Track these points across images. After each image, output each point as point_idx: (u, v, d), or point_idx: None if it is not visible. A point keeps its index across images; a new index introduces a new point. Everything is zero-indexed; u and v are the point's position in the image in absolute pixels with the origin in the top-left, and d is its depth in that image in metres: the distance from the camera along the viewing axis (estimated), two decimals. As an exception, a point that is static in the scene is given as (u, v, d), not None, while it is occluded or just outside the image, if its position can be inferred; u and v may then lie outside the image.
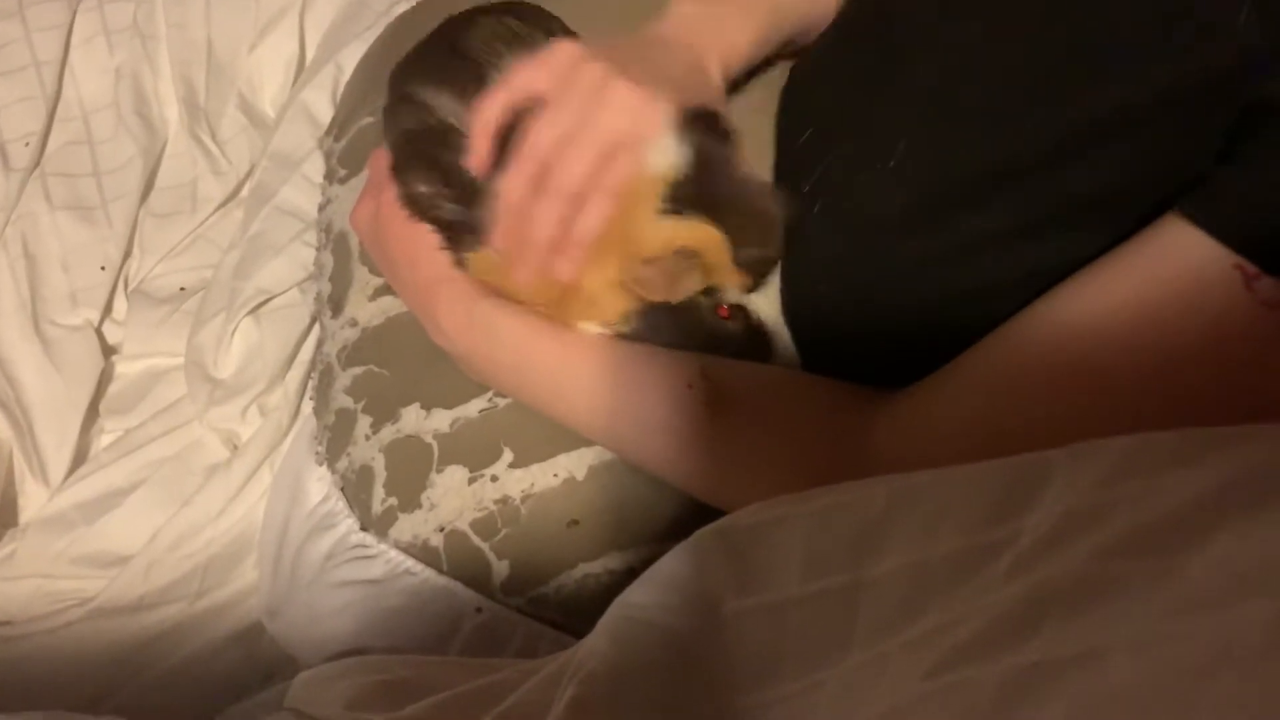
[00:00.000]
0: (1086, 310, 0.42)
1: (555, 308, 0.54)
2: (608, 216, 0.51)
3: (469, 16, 0.59)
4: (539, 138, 0.51)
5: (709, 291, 0.53)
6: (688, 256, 0.51)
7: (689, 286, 0.51)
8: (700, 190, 0.51)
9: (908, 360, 0.49)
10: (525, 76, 0.52)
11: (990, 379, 0.44)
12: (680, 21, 0.62)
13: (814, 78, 0.63)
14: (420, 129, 0.57)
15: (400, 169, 0.58)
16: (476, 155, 0.53)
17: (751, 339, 0.55)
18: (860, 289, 0.52)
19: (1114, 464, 0.29)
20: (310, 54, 0.87)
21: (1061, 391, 0.41)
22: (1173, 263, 0.39)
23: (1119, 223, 0.42)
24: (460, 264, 0.56)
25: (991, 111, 0.46)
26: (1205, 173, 0.39)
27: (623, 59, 0.54)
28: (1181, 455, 0.29)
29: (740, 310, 0.54)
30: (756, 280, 0.54)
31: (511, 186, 0.52)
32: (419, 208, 0.57)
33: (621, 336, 0.54)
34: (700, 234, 0.51)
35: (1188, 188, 0.40)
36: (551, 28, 0.59)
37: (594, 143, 0.51)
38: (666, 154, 0.51)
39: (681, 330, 0.53)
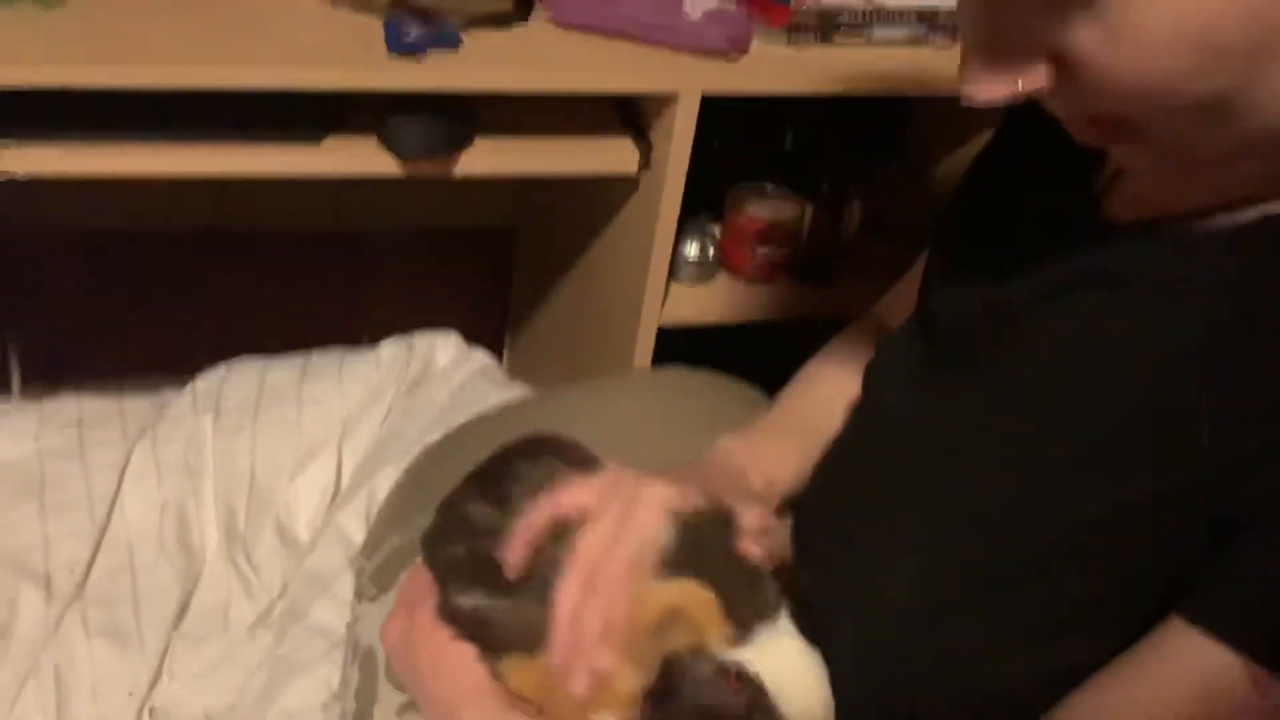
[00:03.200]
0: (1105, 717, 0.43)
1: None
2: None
3: (511, 454, 0.66)
4: (587, 545, 0.55)
5: (700, 652, 0.54)
6: (673, 613, 0.54)
7: (678, 641, 0.53)
8: (690, 558, 0.55)
9: None
10: (573, 492, 0.57)
11: None
12: (724, 454, 0.68)
13: (819, 491, 0.68)
14: (465, 553, 0.61)
15: (445, 585, 0.61)
16: (514, 557, 0.57)
17: (757, 712, 0.55)
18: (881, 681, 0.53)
19: None
20: (345, 480, 0.93)
21: None
22: (1181, 668, 0.41)
23: (1118, 626, 0.44)
24: (498, 675, 0.58)
25: (988, 520, 0.50)
26: (1199, 575, 0.42)
27: (669, 476, 0.60)
28: None
29: (744, 679, 0.54)
30: (745, 634, 0.54)
31: (564, 596, 0.55)
32: (461, 621, 0.60)
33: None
34: (687, 592, 0.54)
35: (1184, 590, 0.42)
36: (587, 460, 0.65)
37: (634, 540, 0.54)
38: (664, 529, 0.56)
39: (687, 712, 0.54)
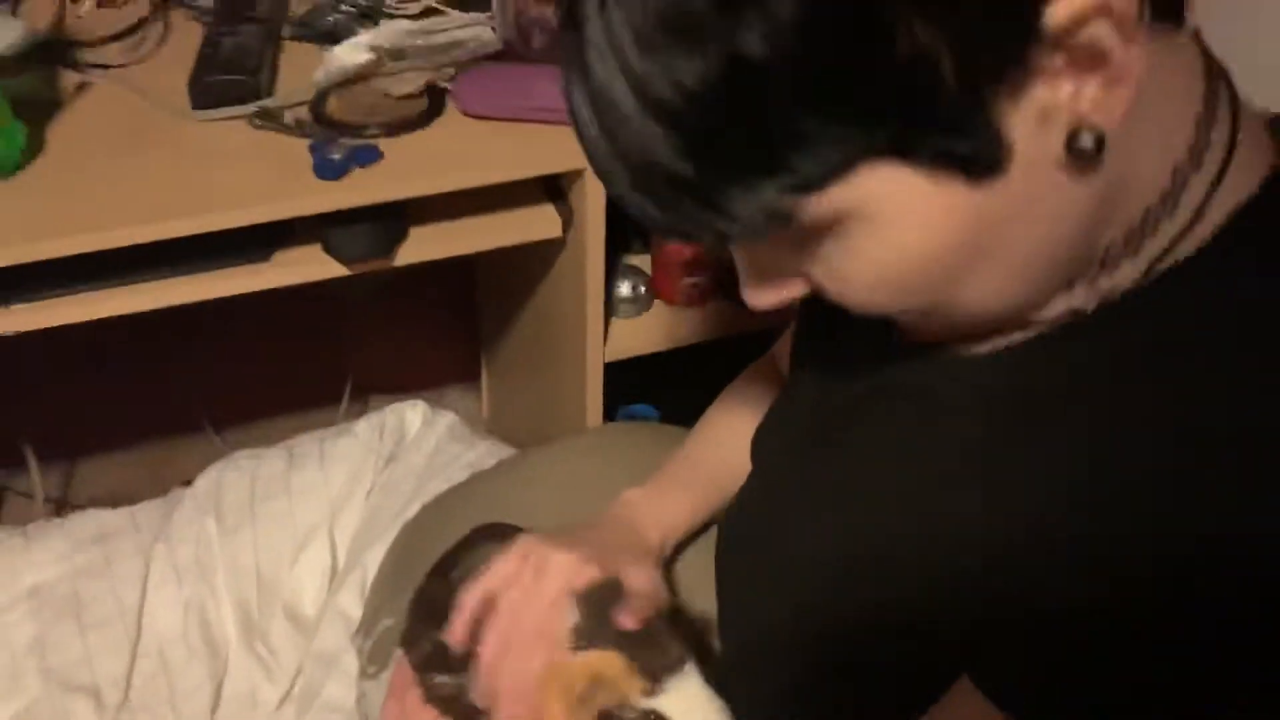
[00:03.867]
0: None
1: None
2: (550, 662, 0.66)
3: (459, 549, 0.78)
4: (500, 610, 0.69)
5: (624, 705, 0.66)
6: (595, 679, 0.66)
7: (603, 700, 0.66)
8: (597, 629, 0.68)
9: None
10: (496, 568, 0.71)
11: None
12: (627, 506, 0.80)
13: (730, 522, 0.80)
14: (431, 645, 0.73)
15: (421, 674, 0.74)
16: (456, 638, 0.70)
17: None
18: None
19: None
20: (341, 558, 1.05)
21: None
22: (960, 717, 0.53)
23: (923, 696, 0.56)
24: None
25: (815, 592, 0.62)
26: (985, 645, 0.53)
27: (571, 541, 0.72)
28: None
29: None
30: (657, 685, 0.67)
31: (485, 651, 0.69)
32: (438, 701, 0.72)
33: None
34: (604, 660, 0.66)
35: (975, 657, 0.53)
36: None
37: (540, 603, 0.67)
38: (571, 613, 0.69)
39: None
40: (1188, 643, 0.44)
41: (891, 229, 0.45)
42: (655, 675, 0.66)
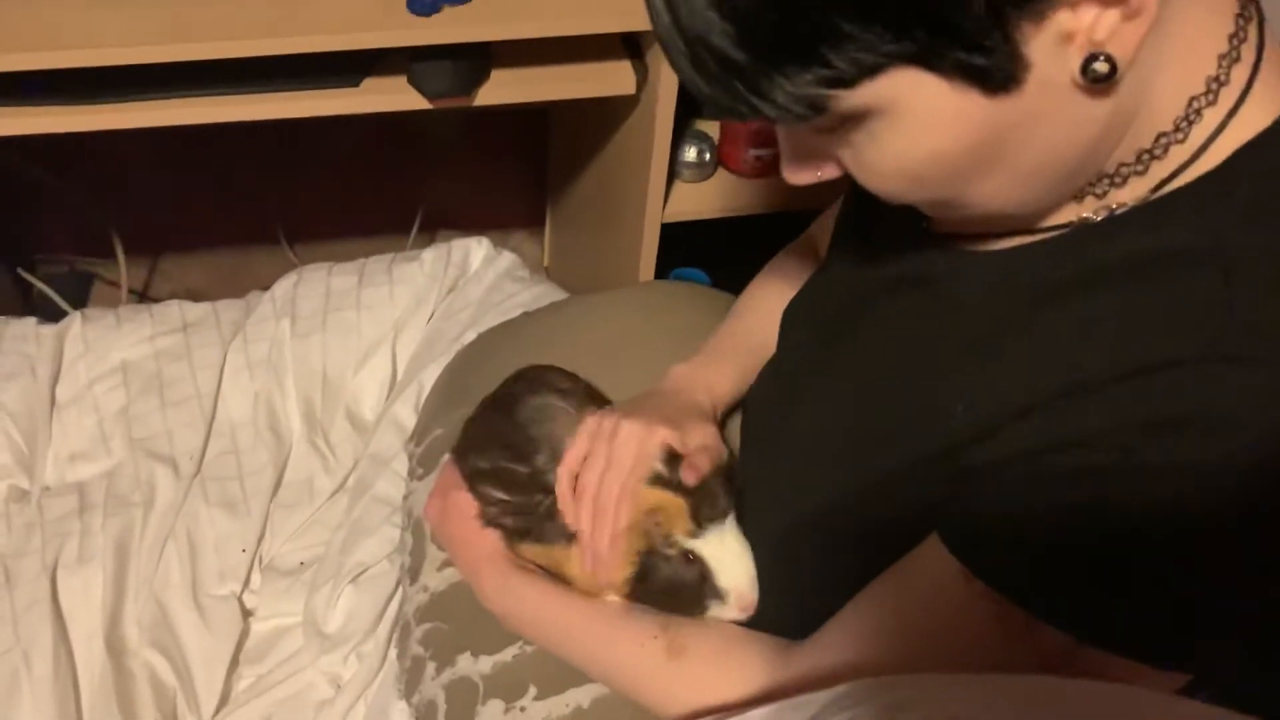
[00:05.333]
0: (877, 590, 0.62)
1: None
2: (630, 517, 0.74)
3: (518, 389, 0.85)
4: (585, 477, 0.76)
5: (668, 539, 0.75)
6: (654, 509, 0.74)
7: (655, 531, 0.74)
8: (671, 478, 0.75)
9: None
10: (574, 449, 0.78)
11: (840, 642, 0.64)
12: (675, 378, 0.87)
13: (756, 398, 0.87)
14: (488, 465, 0.82)
15: (474, 485, 0.83)
16: (563, 506, 0.78)
17: (705, 583, 0.75)
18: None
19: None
20: (400, 373, 1.14)
21: (867, 651, 0.61)
22: (921, 565, 0.60)
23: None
24: (515, 551, 0.80)
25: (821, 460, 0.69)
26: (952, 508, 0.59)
27: (631, 409, 0.79)
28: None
29: (696, 559, 0.75)
30: (700, 530, 0.75)
31: (579, 522, 0.76)
32: (488, 513, 0.82)
33: (630, 597, 0.76)
34: (666, 499, 0.74)
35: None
36: (578, 388, 0.84)
37: (617, 471, 0.75)
38: (656, 463, 0.76)
39: (659, 582, 0.75)
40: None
41: (912, 127, 0.51)
42: (701, 521, 0.74)
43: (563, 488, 0.78)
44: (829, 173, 0.58)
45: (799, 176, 0.59)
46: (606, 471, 0.75)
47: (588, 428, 0.79)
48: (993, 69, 0.48)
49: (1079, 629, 0.54)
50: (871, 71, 0.48)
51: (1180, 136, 0.53)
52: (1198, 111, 0.53)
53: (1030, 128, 0.51)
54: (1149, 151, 0.54)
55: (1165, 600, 0.52)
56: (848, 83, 0.49)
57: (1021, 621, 0.55)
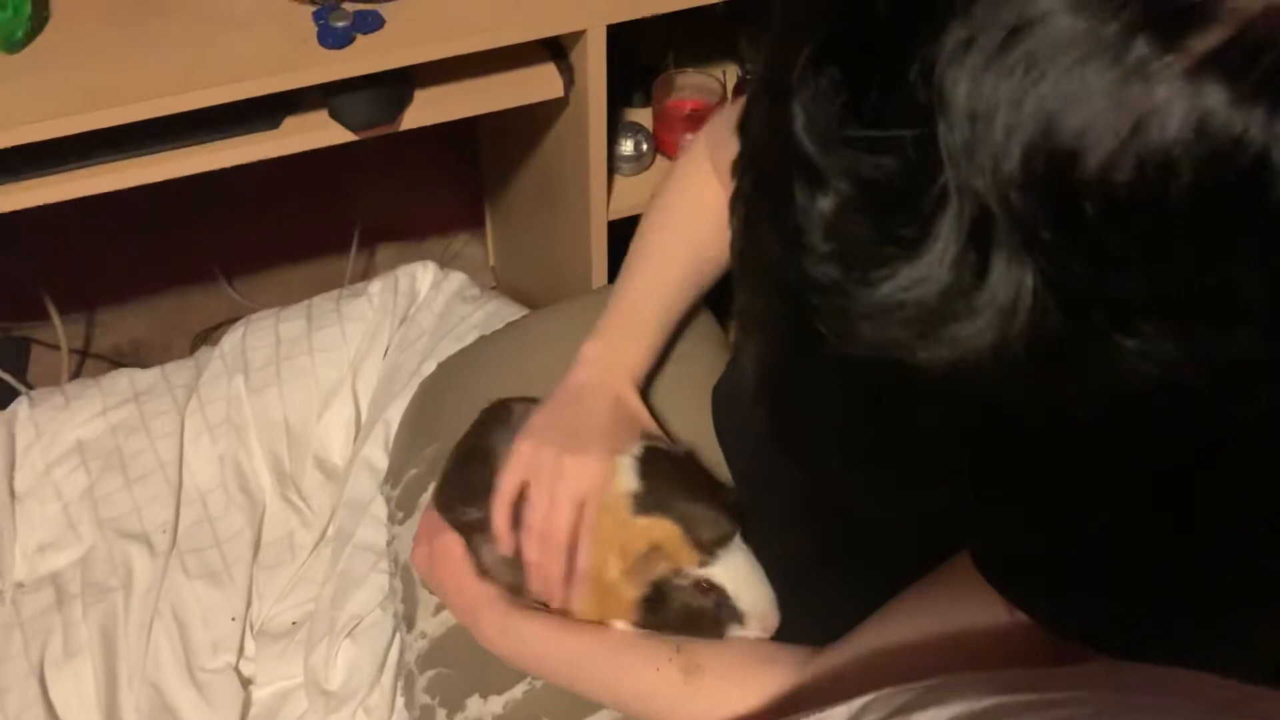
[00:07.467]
0: (910, 604, 0.62)
1: (593, 613, 0.76)
2: (591, 549, 0.73)
3: (494, 440, 0.83)
4: (530, 517, 0.75)
5: (678, 572, 0.74)
6: (654, 548, 0.72)
7: (660, 569, 0.73)
8: (656, 497, 0.74)
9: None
10: (508, 480, 0.76)
11: (861, 654, 0.64)
12: (591, 365, 0.85)
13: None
14: (482, 516, 0.80)
15: (469, 540, 0.81)
16: (500, 541, 0.77)
17: (723, 608, 0.75)
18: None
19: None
20: (364, 412, 1.12)
21: (895, 659, 0.61)
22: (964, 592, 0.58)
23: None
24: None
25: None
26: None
27: (558, 422, 0.78)
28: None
29: (712, 587, 0.74)
30: (708, 556, 0.74)
31: (527, 553, 0.76)
32: (487, 570, 0.80)
33: (641, 625, 0.75)
34: (659, 529, 0.73)
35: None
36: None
37: (565, 506, 0.74)
38: (624, 478, 0.75)
39: (674, 611, 0.74)
40: None
41: None
42: (707, 547, 0.72)
43: (499, 520, 0.77)
44: None
45: None
46: (551, 515, 0.74)
47: (522, 459, 0.77)
48: None
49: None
50: None
51: None
52: None
53: None
54: None
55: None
56: None
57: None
